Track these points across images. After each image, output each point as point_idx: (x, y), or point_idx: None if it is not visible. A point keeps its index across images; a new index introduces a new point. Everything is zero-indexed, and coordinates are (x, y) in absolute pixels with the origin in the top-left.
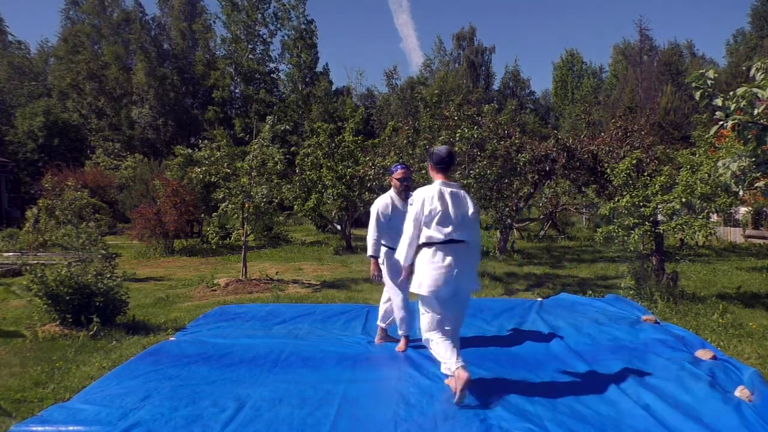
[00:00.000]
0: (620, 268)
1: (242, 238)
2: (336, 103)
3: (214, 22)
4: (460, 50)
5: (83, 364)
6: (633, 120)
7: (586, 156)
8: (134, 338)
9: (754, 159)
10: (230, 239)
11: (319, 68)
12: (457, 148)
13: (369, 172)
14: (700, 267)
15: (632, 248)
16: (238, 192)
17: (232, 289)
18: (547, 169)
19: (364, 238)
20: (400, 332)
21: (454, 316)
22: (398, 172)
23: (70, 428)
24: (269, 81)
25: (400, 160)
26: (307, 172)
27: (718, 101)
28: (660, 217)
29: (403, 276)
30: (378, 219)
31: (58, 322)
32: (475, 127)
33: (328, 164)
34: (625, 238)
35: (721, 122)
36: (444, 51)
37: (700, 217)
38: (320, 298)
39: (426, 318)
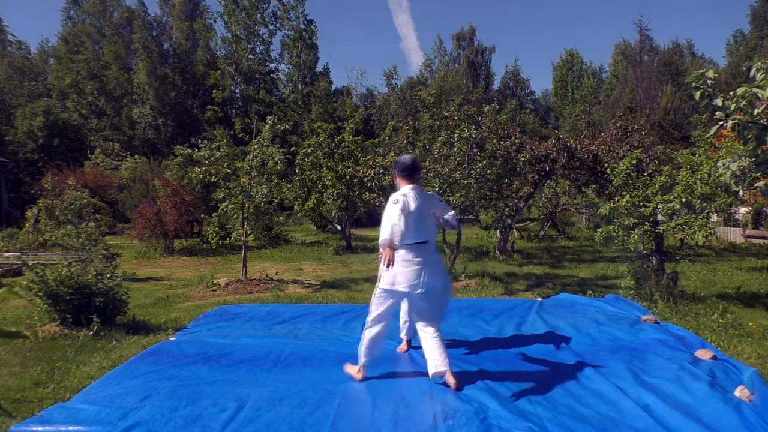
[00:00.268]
0: (620, 268)
1: (242, 238)
2: (336, 103)
3: (215, 21)
4: (460, 50)
5: (83, 364)
6: (633, 120)
7: (586, 156)
8: (134, 338)
9: (754, 159)
10: (230, 239)
11: (319, 68)
12: (456, 148)
13: (369, 172)
14: (700, 267)
15: (632, 248)
16: (238, 192)
17: (232, 289)
18: (547, 169)
19: (364, 238)
20: (402, 335)
21: (429, 313)
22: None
23: (70, 428)
24: (269, 81)
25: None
26: (307, 172)
27: (718, 101)
28: (660, 217)
29: (386, 258)
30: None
31: (58, 322)
32: (474, 127)
33: (328, 164)
34: (625, 238)
35: (721, 122)
36: (444, 51)
37: (700, 217)
38: (320, 298)
39: (378, 310)
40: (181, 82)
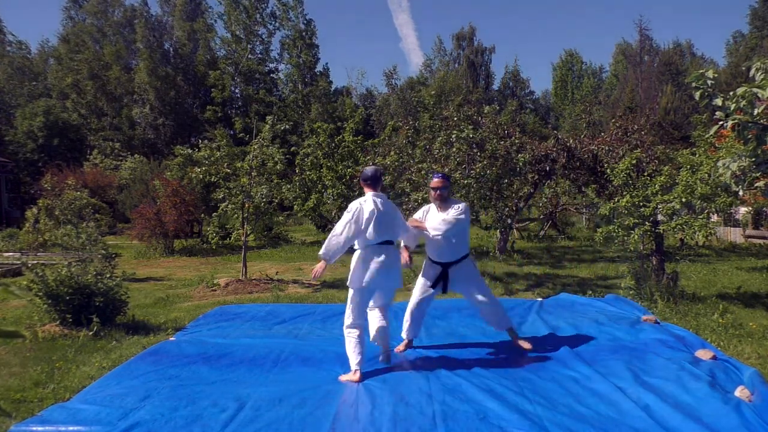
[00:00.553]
0: (620, 268)
1: (242, 238)
2: (336, 104)
3: (215, 21)
4: (460, 50)
5: (83, 364)
6: (633, 120)
7: (586, 156)
8: (134, 338)
9: (754, 159)
10: (230, 239)
11: (319, 68)
12: (455, 148)
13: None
14: (700, 267)
15: (632, 248)
16: (238, 192)
17: (232, 289)
18: (547, 169)
19: None
20: (402, 334)
21: (377, 306)
22: (432, 182)
23: (70, 428)
24: (269, 81)
25: (437, 170)
26: (307, 172)
27: (718, 101)
28: (660, 217)
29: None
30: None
31: (58, 322)
32: (471, 127)
33: (328, 164)
34: (625, 238)
35: (721, 122)
36: (444, 51)
37: (700, 217)
38: (320, 298)
39: (352, 310)
40: (181, 81)
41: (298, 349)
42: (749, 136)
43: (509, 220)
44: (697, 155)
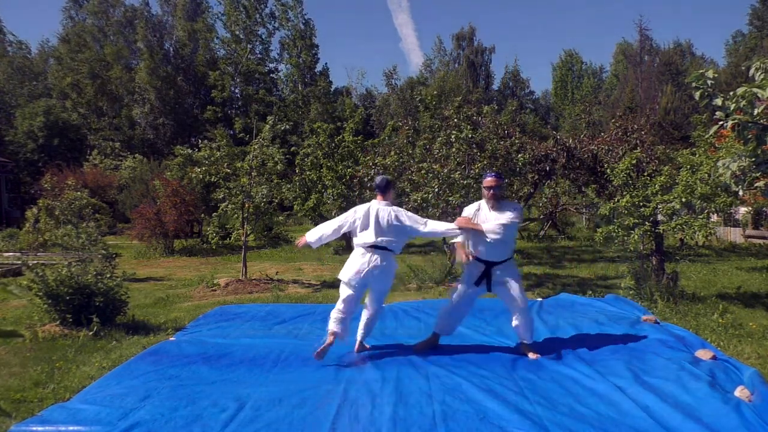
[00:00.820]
0: (620, 268)
1: (242, 238)
2: (335, 104)
3: (215, 22)
4: (460, 50)
5: (83, 364)
6: (633, 120)
7: (586, 156)
8: (134, 338)
9: (754, 159)
10: (230, 239)
11: (319, 68)
12: (455, 149)
13: (369, 172)
14: (700, 267)
15: (632, 248)
16: (238, 192)
17: (232, 289)
18: (547, 169)
19: None
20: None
21: (353, 305)
22: (485, 180)
23: (70, 428)
24: (269, 81)
25: (491, 169)
26: (307, 172)
27: (718, 101)
28: (660, 217)
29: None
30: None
31: (58, 322)
32: (470, 127)
33: (328, 164)
34: (625, 238)
35: (721, 122)
36: (444, 51)
37: (700, 217)
38: (320, 298)
39: (341, 297)
40: (182, 81)
41: (298, 349)
42: (749, 136)
43: None
44: (697, 155)
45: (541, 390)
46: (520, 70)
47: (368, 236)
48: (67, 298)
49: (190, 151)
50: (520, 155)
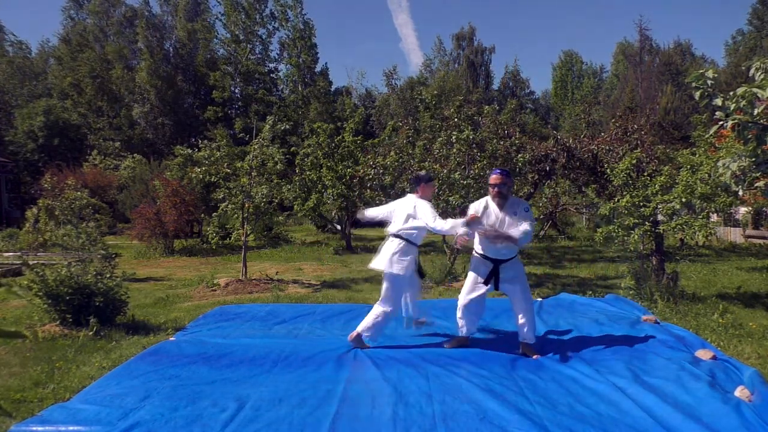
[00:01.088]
0: (620, 268)
1: (242, 238)
2: (335, 103)
3: (214, 22)
4: (460, 50)
5: (83, 364)
6: (633, 120)
7: (586, 156)
8: (134, 338)
9: (754, 159)
10: (230, 239)
11: (319, 68)
12: (455, 149)
13: (369, 172)
14: (700, 267)
15: (632, 248)
16: (238, 192)
17: (232, 289)
18: (547, 169)
19: (363, 238)
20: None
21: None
22: (491, 177)
23: (70, 428)
24: (269, 81)
25: (496, 165)
26: (307, 172)
27: (718, 101)
28: (660, 217)
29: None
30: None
31: (58, 322)
32: (470, 128)
33: (328, 164)
34: (625, 238)
35: (721, 122)
36: (444, 51)
37: (700, 217)
38: (320, 298)
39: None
40: (182, 82)
41: (298, 349)
42: (749, 136)
43: None
44: (697, 155)
45: (541, 390)
46: (519, 70)
47: (393, 226)
48: (67, 298)
49: (190, 151)
50: (520, 155)
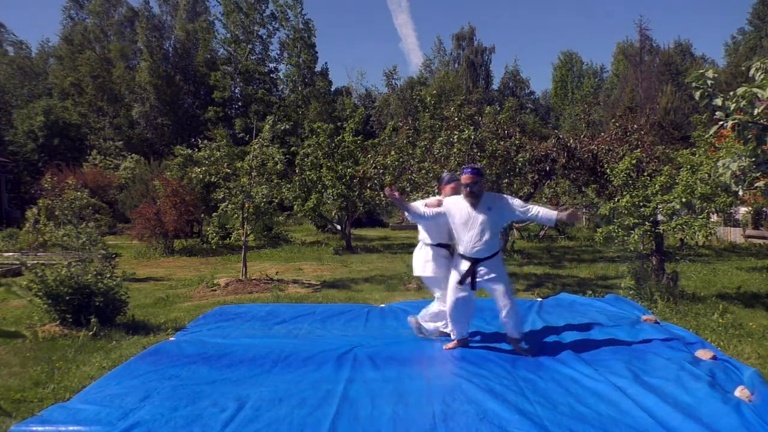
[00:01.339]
0: (620, 268)
1: (242, 238)
2: (335, 103)
3: (213, 22)
4: (460, 50)
5: (83, 364)
6: (633, 120)
7: (586, 156)
8: (134, 338)
9: (754, 159)
10: (230, 239)
11: (319, 68)
12: (456, 149)
13: (370, 171)
14: (700, 267)
15: (632, 248)
16: (238, 192)
17: (232, 289)
18: (547, 169)
19: (363, 238)
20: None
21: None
22: (463, 177)
23: (70, 428)
24: (269, 81)
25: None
26: (307, 172)
27: (718, 101)
28: (660, 217)
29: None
30: (436, 210)
31: (58, 322)
32: (472, 128)
33: (328, 164)
34: (625, 238)
35: (721, 122)
36: (444, 51)
37: (700, 217)
38: (320, 298)
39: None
40: (181, 81)
41: (298, 349)
42: (749, 136)
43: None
44: (697, 155)
45: (541, 390)
46: (519, 70)
47: None
48: (67, 298)
49: (190, 151)
50: (520, 155)
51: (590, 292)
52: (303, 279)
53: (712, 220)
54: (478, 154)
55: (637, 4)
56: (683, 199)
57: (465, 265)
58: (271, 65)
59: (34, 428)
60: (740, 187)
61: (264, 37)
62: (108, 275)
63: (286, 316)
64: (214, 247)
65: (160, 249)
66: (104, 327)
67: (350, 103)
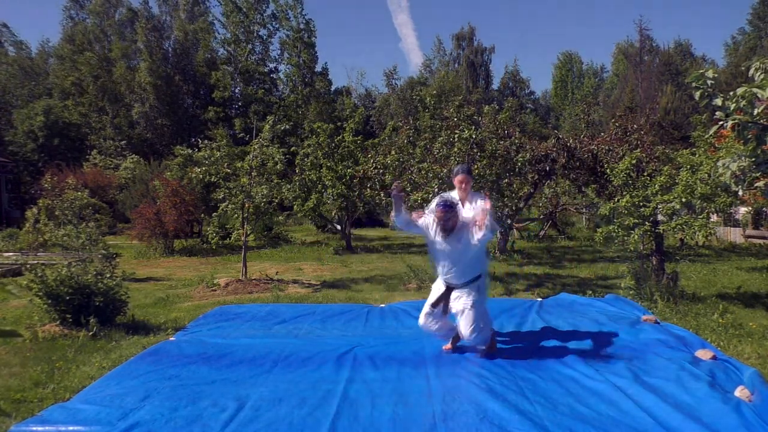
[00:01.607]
0: (620, 268)
1: (242, 238)
2: (335, 103)
3: (213, 23)
4: (460, 50)
5: (83, 364)
6: (633, 120)
7: (586, 156)
8: (134, 338)
9: (754, 159)
10: (230, 239)
11: (319, 68)
12: (456, 149)
13: (370, 171)
14: (700, 267)
15: (632, 248)
16: (238, 192)
17: (232, 289)
18: (547, 169)
19: (363, 238)
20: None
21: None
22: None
23: (70, 428)
24: (269, 81)
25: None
26: (307, 172)
27: (718, 101)
28: (660, 217)
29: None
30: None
31: (58, 322)
32: (473, 128)
33: (328, 164)
34: (625, 238)
35: (721, 122)
36: (443, 51)
37: (700, 217)
38: (320, 298)
39: None
40: (181, 81)
41: (298, 349)
42: (749, 136)
43: (509, 220)
44: (697, 155)
45: (542, 390)
46: (519, 70)
47: None
48: (67, 298)
49: (189, 151)
50: (519, 155)
51: (590, 292)
52: (303, 279)
53: (712, 220)
54: (478, 153)
55: (637, 4)
56: (683, 199)
57: (441, 289)
58: (271, 65)
59: (34, 428)
60: (740, 187)
61: (264, 37)
62: (108, 275)
63: (286, 316)
64: (214, 247)
65: (160, 249)
66: (104, 327)
67: (350, 103)
